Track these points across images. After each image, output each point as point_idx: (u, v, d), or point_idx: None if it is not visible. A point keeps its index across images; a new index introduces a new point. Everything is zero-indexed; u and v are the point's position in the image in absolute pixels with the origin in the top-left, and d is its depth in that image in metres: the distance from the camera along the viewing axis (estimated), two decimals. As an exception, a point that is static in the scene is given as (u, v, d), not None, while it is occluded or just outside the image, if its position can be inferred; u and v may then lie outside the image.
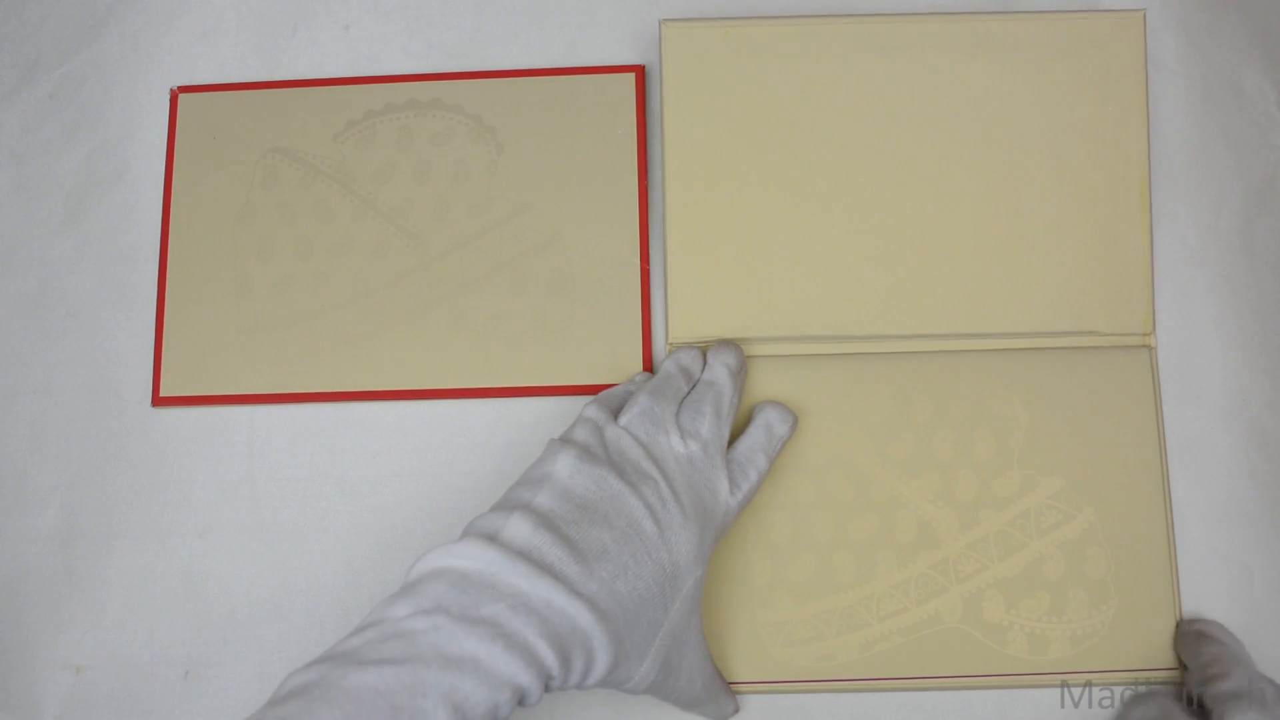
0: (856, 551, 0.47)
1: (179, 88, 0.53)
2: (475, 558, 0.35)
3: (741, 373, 0.46)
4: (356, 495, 0.49)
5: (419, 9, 0.54)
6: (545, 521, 0.37)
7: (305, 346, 0.50)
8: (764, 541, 0.47)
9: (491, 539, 0.35)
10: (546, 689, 0.35)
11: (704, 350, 0.47)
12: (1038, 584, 0.46)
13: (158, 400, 0.50)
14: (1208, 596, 0.47)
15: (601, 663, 0.36)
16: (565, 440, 0.41)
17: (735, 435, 0.45)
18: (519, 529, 0.36)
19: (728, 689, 0.45)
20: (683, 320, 0.49)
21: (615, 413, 0.43)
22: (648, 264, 0.50)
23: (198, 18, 0.55)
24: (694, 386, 0.45)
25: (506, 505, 0.38)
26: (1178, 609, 0.46)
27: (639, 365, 0.49)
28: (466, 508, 0.48)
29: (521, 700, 0.34)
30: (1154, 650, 0.45)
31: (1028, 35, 0.49)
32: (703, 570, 0.40)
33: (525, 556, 0.35)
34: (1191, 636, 0.44)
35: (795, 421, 0.46)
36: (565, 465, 0.39)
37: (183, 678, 0.48)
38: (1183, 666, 0.45)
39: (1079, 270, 0.48)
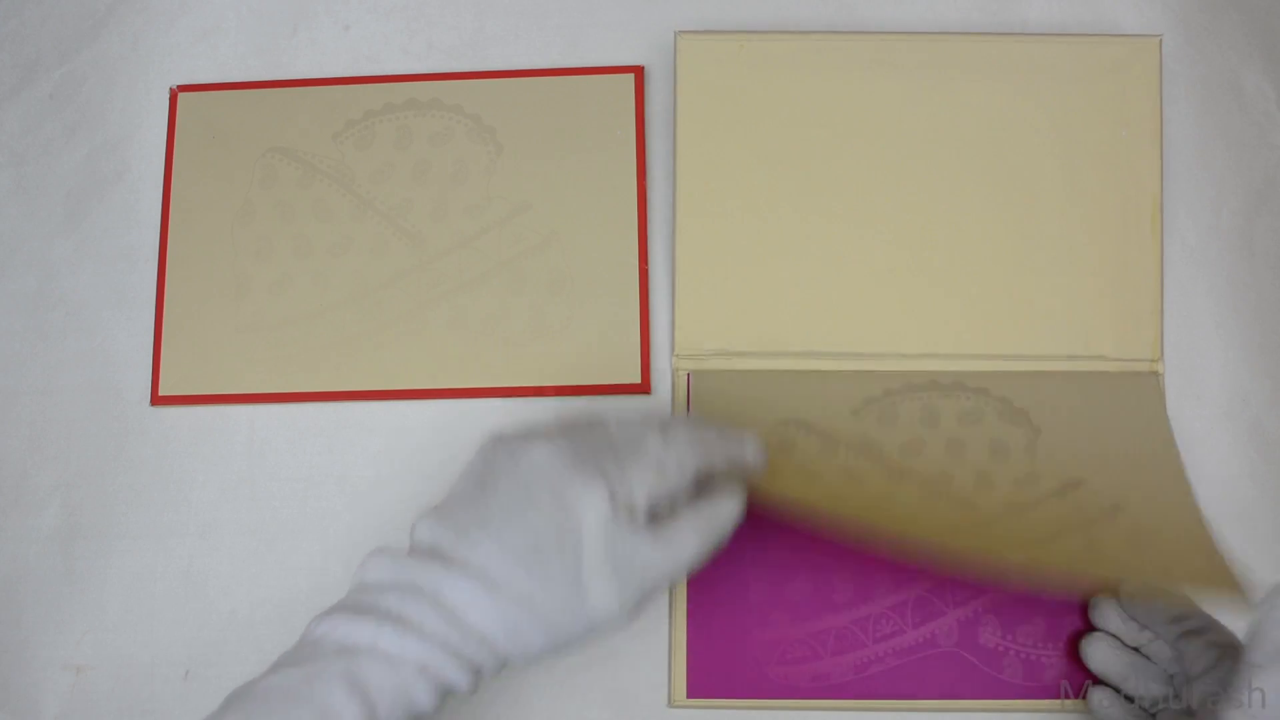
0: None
1: (179, 87, 0.53)
2: (379, 569, 0.36)
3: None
4: (356, 495, 0.49)
5: (419, 9, 0.54)
6: (442, 512, 0.37)
7: (305, 346, 0.50)
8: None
9: (395, 554, 0.36)
10: (480, 675, 0.35)
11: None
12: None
13: (157, 399, 0.50)
14: (1207, 597, 0.47)
15: (511, 620, 0.34)
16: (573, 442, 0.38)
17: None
18: (424, 530, 0.37)
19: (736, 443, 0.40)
20: (690, 332, 0.48)
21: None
22: (647, 264, 0.50)
23: (198, 18, 0.55)
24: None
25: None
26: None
27: (637, 365, 0.49)
28: (466, 508, 0.48)
29: (443, 681, 0.34)
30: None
31: (1043, 57, 0.49)
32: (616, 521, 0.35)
33: (426, 553, 0.36)
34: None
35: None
36: (540, 454, 0.37)
37: (183, 678, 0.48)
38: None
39: (1088, 294, 0.48)
